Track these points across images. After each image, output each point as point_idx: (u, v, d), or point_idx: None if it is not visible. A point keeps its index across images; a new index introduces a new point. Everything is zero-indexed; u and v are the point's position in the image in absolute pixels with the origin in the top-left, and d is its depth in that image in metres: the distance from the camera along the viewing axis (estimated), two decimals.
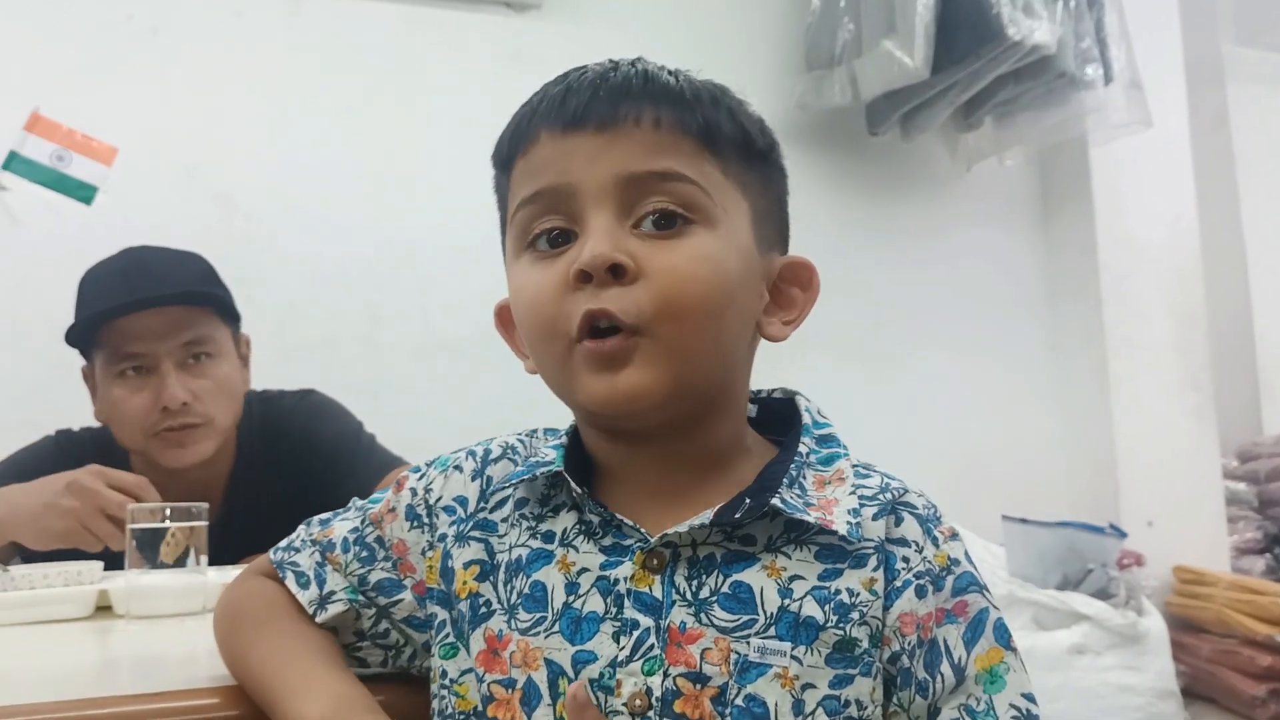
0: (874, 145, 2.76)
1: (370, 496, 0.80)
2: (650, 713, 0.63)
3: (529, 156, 0.69)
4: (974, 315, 2.87)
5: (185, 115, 2.28)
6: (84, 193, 1.86)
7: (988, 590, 0.69)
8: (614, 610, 0.66)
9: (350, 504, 0.81)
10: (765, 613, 0.65)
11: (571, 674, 0.65)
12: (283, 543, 0.80)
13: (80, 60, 2.22)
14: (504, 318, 0.76)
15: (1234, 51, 3.43)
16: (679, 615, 0.65)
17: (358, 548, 0.77)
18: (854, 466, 0.71)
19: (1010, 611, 2.00)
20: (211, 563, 1.11)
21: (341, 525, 0.78)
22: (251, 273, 2.20)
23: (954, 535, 0.70)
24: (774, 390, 0.79)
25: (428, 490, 0.76)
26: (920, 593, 0.66)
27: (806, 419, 0.74)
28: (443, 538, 0.74)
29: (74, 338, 1.44)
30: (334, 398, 1.65)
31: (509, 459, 0.76)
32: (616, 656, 0.65)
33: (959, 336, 2.84)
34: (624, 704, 0.64)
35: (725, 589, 0.66)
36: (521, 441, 0.77)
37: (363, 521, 0.78)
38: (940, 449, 2.74)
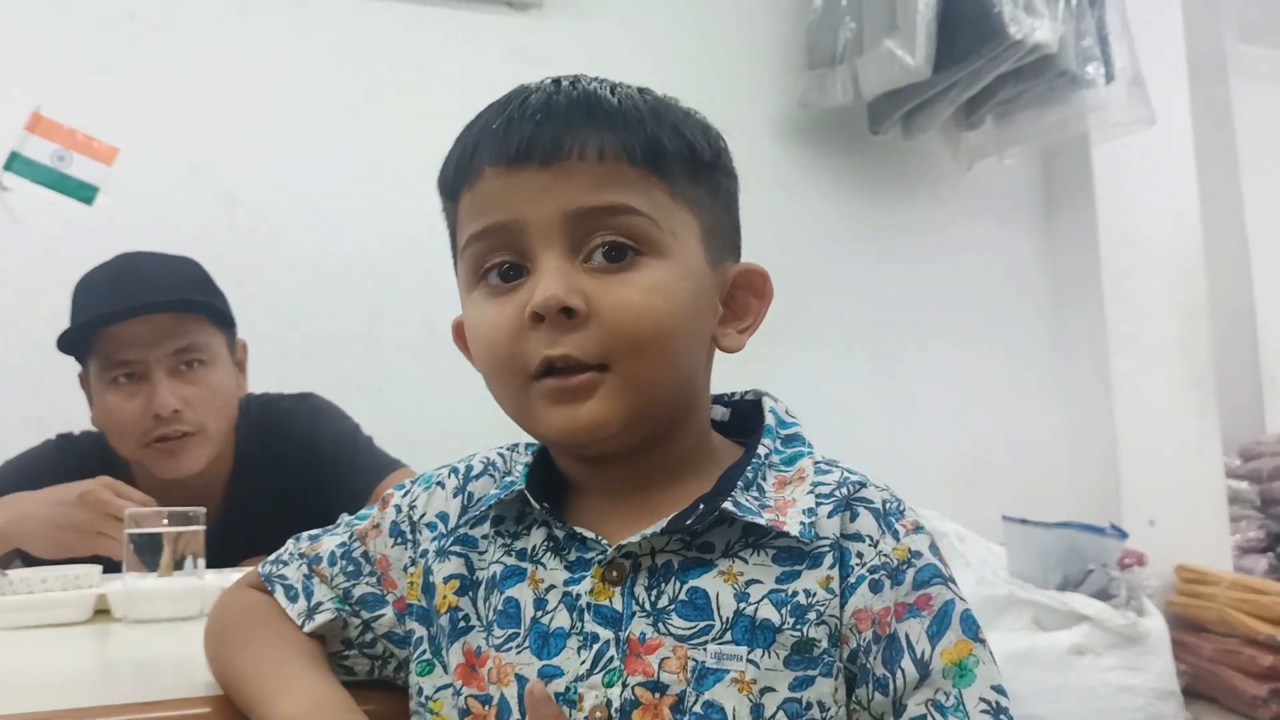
0: (875, 144, 2.76)
1: (359, 513, 0.81)
2: None
3: (475, 190, 0.69)
4: (976, 313, 2.86)
5: (188, 113, 2.28)
6: (85, 193, 1.86)
7: (953, 583, 0.67)
8: (579, 625, 0.67)
9: (339, 520, 0.82)
10: (721, 618, 0.65)
11: None
12: (271, 557, 0.81)
13: (82, 59, 2.22)
14: (461, 334, 0.76)
15: (1236, 48, 3.42)
16: (639, 626, 0.66)
17: (344, 562, 0.78)
18: (817, 464, 0.71)
19: (1011, 612, 2.01)
20: (211, 565, 1.12)
21: (329, 540, 0.80)
22: (254, 271, 2.21)
23: (917, 528, 0.68)
24: (746, 392, 0.79)
25: (411, 507, 0.78)
26: (875, 587, 0.65)
27: (770, 419, 0.74)
28: (424, 553, 0.75)
29: (66, 344, 1.43)
30: (335, 397, 1.65)
31: (489, 475, 0.77)
32: (579, 671, 0.65)
33: (961, 335, 2.84)
34: (585, 717, 0.64)
35: (683, 596, 0.66)
36: (502, 456, 0.79)
37: (350, 537, 0.79)
38: (942, 447, 2.74)
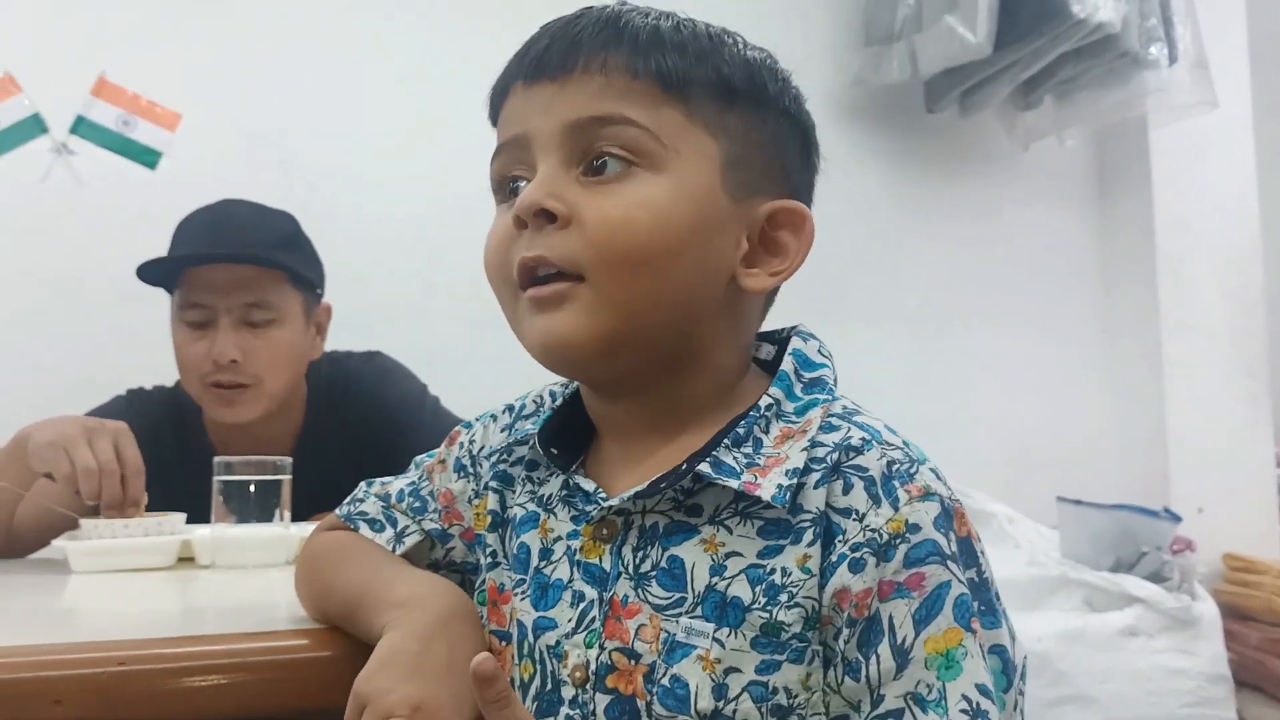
0: (931, 122, 2.74)
1: (430, 451, 0.84)
2: (588, 685, 0.64)
3: (503, 111, 0.70)
4: (1027, 295, 2.84)
5: (247, 82, 2.29)
6: (149, 157, 1.89)
7: (955, 560, 0.60)
8: (575, 579, 0.67)
9: (411, 464, 0.85)
10: (694, 591, 0.62)
11: (533, 639, 0.67)
12: (346, 500, 0.84)
13: (145, 25, 2.24)
14: None
15: None
16: (623, 588, 0.65)
17: (412, 499, 0.81)
18: (829, 416, 0.65)
19: (1062, 592, 2.00)
20: None
21: (399, 481, 0.83)
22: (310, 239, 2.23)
23: (926, 495, 0.61)
24: (788, 328, 0.74)
25: (472, 441, 0.80)
26: (855, 567, 0.59)
27: (789, 364, 0.69)
28: (486, 485, 0.76)
29: (147, 274, 1.46)
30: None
31: (538, 414, 0.78)
32: (568, 627, 0.66)
33: (1011, 317, 2.82)
34: (568, 674, 0.64)
35: (663, 564, 0.64)
36: (552, 394, 0.79)
37: (419, 476, 0.82)
38: (991, 430, 2.73)
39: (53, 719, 0.64)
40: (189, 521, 1.22)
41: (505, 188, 0.70)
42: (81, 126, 1.86)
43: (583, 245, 0.63)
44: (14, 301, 2.11)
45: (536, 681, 0.66)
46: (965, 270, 2.79)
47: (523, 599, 0.69)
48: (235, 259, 1.43)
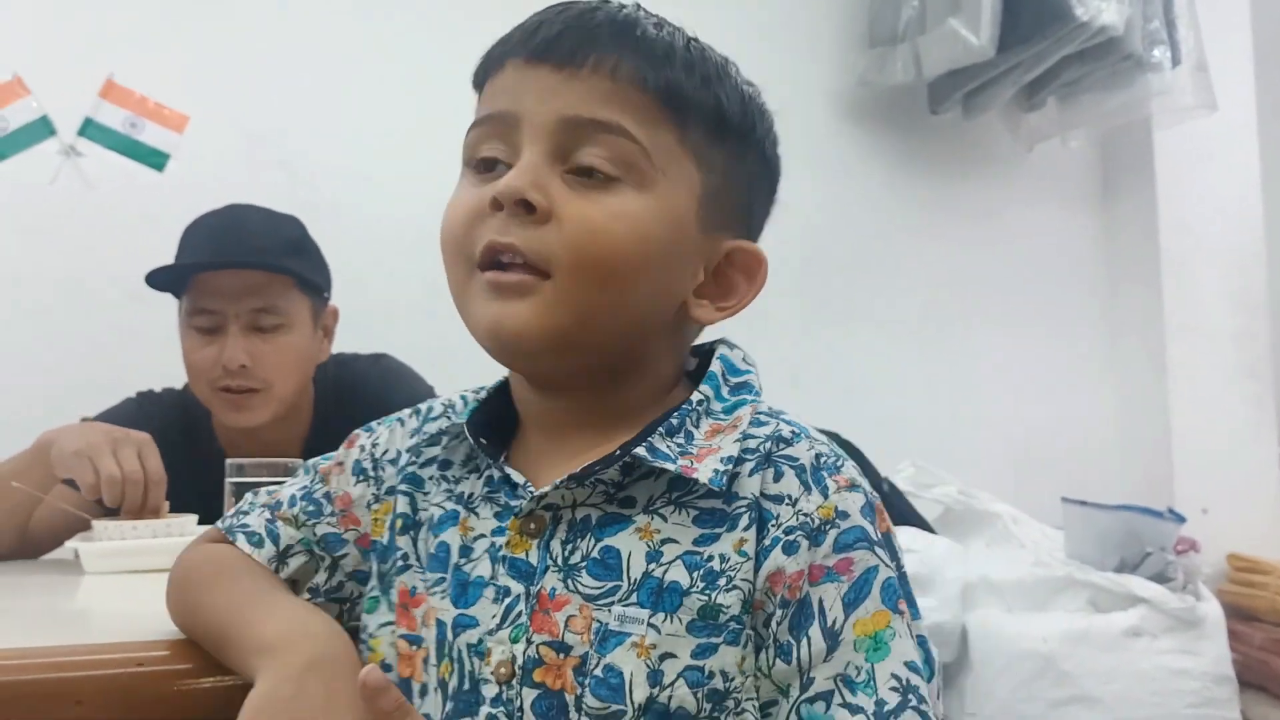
0: (934, 124, 2.75)
1: (323, 455, 0.81)
2: (514, 680, 0.63)
3: (493, 82, 0.69)
4: (1030, 297, 2.85)
5: (250, 83, 2.30)
6: (156, 159, 1.89)
7: (882, 547, 0.62)
8: (496, 576, 0.66)
9: (299, 469, 0.82)
10: (629, 579, 0.63)
11: (452, 637, 0.66)
12: (229, 512, 0.80)
13: (146, 27, 2.25)
14: None
15: None
16: (550, 581, 0.64)
17: (304, 502, 0.77)
18: (757, 414, 0.68)
19: (1067, 593, 2.00)
20: None
21: (289, 487, 0.79)
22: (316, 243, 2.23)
23: (852, 486, 0.63)
24: (711, 342, 0.76)
25: (374, 445, 0.78)
26: (789, 549, 0.61)
27: (717, 366, 0.71)
28: (390, 490, 0.75)
29: (156, 281, 1.46)
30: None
31: (447, 417, 0.76)
32: (491, 624, 0.65)
33: (1015, 318, 2.82)
34: (491, 672, 0.63)
35: (595, 554, 0.64)
36: (464, 399, 0.77)
37: (312, 479, 0.79)
38: (995, 430, 2.73)
39: (73, 719, 0.65)
40: (200, 523, 1.22)
41: (477, 159, 0.69)
42: (89, 129, 1.86)
43: (557, 244, 0.63)
44: (22, 302, 2.12)
45: (454, 681, 0.65)
46: (969, 271, 2.80)
47: (442, 598, 0.67)
48: (244, 265, 1.44)
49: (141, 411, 1.52)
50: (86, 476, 1.17)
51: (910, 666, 0.60)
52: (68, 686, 0.66)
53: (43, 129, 1.81)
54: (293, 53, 2.35)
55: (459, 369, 2.25)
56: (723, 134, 0.68)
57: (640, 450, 0.64)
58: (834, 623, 0.60)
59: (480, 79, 0.70)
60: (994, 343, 2.79)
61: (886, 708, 0.58)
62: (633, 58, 0.65)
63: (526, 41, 0.67)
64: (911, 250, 2.74)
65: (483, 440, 0.70)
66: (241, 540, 0.76)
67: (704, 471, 0.63)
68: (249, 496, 0.81)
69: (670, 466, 0.63)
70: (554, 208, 0.64)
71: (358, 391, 1.57)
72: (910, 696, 0.59)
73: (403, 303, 2.36)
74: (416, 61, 2.42)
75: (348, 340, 1.74)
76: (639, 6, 0.70)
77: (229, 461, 1.09)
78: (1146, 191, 2.80)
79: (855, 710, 0.58)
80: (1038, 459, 2.73)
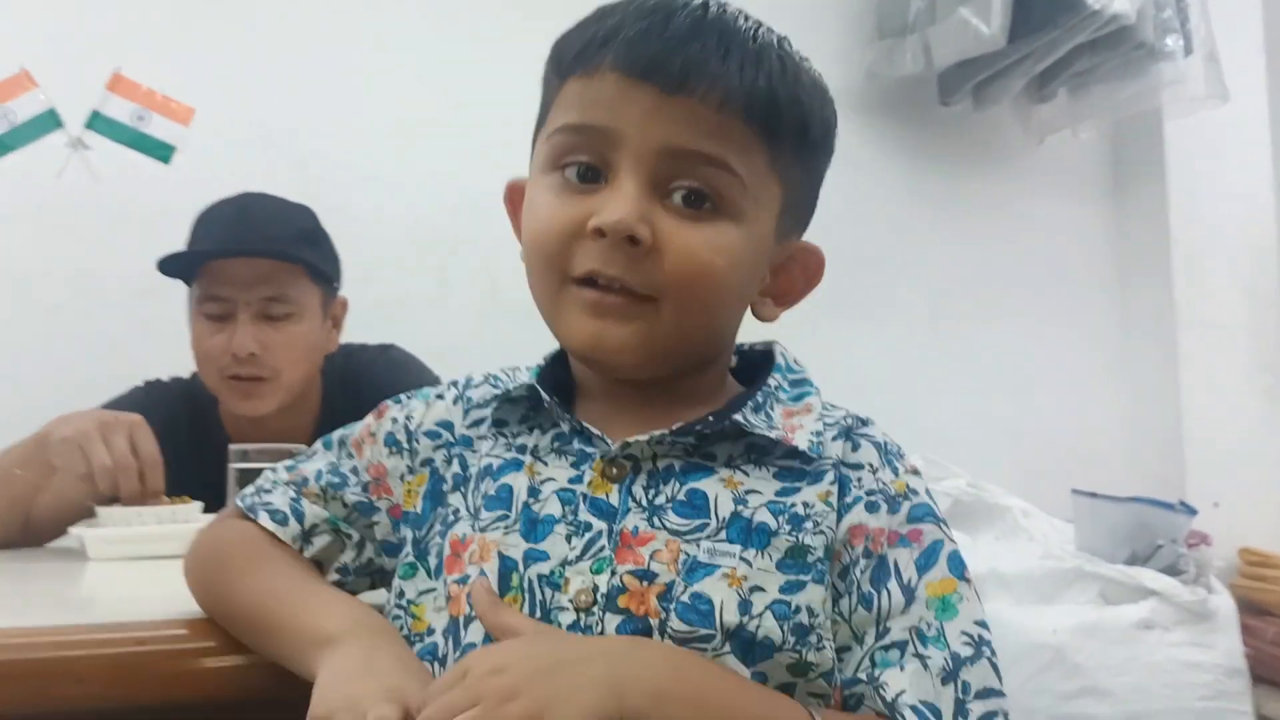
0: (944, 115, 2.73)
1: (349, 425, 0.82)
2: (594, 608, 0.64)
3: (587, 83, 0.68)
4: (1042, 290, 2.83)
5: (261, 77, 2.30)
6: (162, 152, 1.89)
7: (946, 525, 0.70)
8: (570, 515, 0.68)
9: (317, 444, 0.82)
10: (718, 517, 0.66)
11: (522, 569, 0.66)
12: (249, 488, 0.80)
13: (159, 22, 2.25)
14: (514, 200, 0.77)
15: None
16: (633, 520, 0.67)
17: (330, 476, 0.77)
18: (824, 404, 0.74)
19: (1078, 585, 1.99)
20: None
21: (312, 464, 0.79)
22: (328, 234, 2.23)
23: (915, 472, 0.71)
24: (756, 344, 0.80)
25: (408, 418, 0.78)
26: (871, 508, 0.68)
27: (780, 361, 0.76)
28: (427, 462, 0.76)
29: (167, 268, 1.47)
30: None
31: (490, 385, 0.78)
32: (567, 556, 0.66)
33: (1026, 311, 2.81)
34: (570, 600, 0.65)
35: (681, 496, 0.67)
36: (505, 373, 0.79)
37: (338, 452, 0.79)
38: (1006, 424, 2.72)
39: (74, 697, 0.65)
40: (205, 511, 1.22)
41: (561, 162, 0.69)
42: (97, 122, 1.86)
43: (660, 274, 0.66)
44: (30, 296, 2.12)
45: (524, 610, 0.66)
46: (979, 263, 2.79)
47: (506, 533, 0.68)
48: (256, 253, 1.44)
49: (149, 400, 1.53)
50: (78, 466, 1.17)
51: (980, 624, 0.65)
52: (69, 664, 0.66)
53: (50, 122, 1.81)
54: (303, 46, 2.35)
55: (470, 363, 2.27)
56: (802, 149, 0.71)
57: (739, 418, 0.68)
58: (909, 581, 0.66)
59: (568, 69, 0.69)
60: (1004, 335, 2.78)
61: (962, 657, 0.64)
62: (738, 90, 0.66)
63: (630, 56, 0.66)
64: (921, 243, 2.72)
65: (555, 399, 0.72)
66: (265, 518, 0.76)
67: (801, 441, 0.68)
68: (268, 473, 0.81)
69: (772, 435, 0.68)
70: (658, 240, 0.66)
71: (364, 381, 1.58)
72: (984, 649, 0.64)
73: (416, 297, 2.36)
74: (430, 57, 2.42)
75: (360, 334, 1.74)
76: (726, 6, 0.69)
77: (232, 447, 1.09)
78: (1157, 184, 2.78)
79: (925, 661, 0.63)
80: (1049, 452, 2.72)
